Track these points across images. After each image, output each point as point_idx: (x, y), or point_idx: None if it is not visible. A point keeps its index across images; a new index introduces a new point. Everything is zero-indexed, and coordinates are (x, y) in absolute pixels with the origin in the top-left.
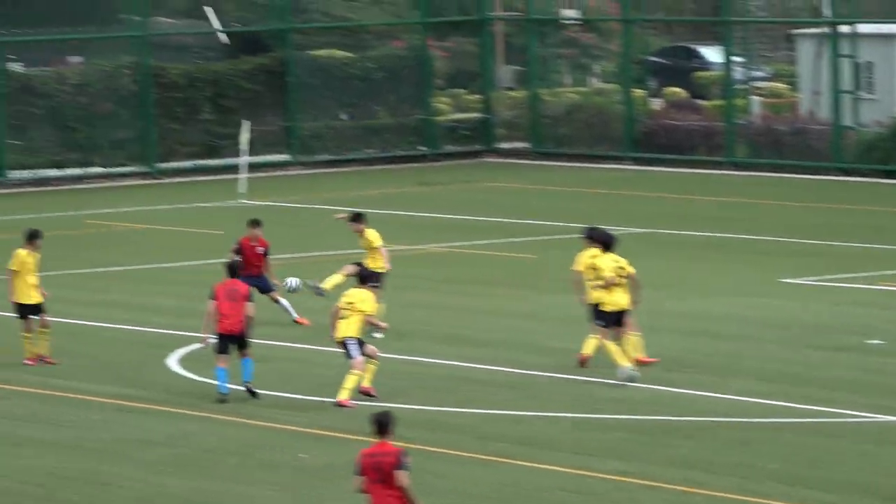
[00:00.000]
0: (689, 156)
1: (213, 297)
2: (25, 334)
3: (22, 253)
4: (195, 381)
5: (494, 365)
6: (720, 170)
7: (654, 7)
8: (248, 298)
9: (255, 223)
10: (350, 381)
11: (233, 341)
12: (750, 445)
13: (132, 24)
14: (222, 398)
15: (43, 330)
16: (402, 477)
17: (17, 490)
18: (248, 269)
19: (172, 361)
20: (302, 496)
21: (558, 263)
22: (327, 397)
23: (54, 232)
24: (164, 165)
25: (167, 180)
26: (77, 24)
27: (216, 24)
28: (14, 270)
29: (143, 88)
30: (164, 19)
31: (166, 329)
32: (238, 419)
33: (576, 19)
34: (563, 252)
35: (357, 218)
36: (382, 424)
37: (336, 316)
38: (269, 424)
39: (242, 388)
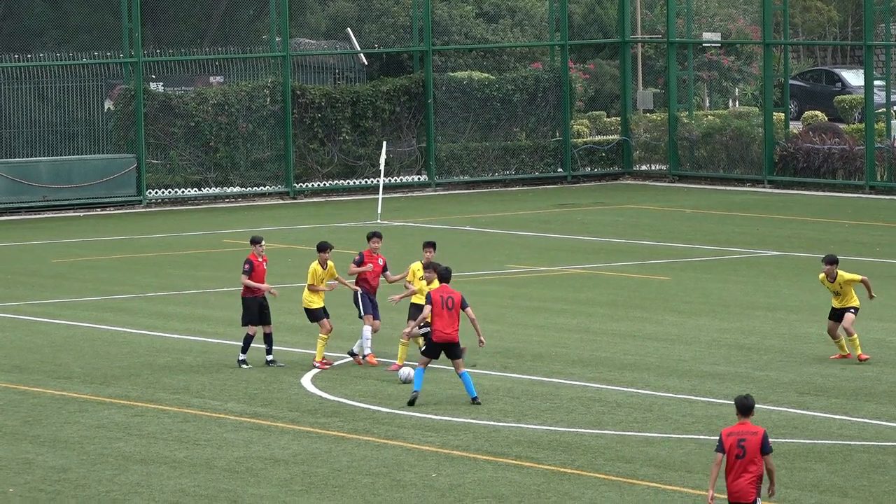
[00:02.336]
0: (828, 179)
1: (429, 301)
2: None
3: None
4: (328, 399)
5: (628, 387)
6: (859, 193)
7: (795, 30)
8: (464, 305)
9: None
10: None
11: (445, 349)
12: (884, 469)
13: (273, 44)
14: (414, 397)
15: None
16: (769, 458)
17: None
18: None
19: (305, 380)
20: None
21: (693, 286)
22: (460, 417)
23: (192, 251)
24: (301, 185)
25: (305, 200)
26: (219, 44)
27: (356, 45)
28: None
29: (283, 108)
30: (305, 40)
31: (300, 348)
32: (370, 439)
33: (716, 42)
34: (699, 274)
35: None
36: (746, 406)
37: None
38: (401, 444)
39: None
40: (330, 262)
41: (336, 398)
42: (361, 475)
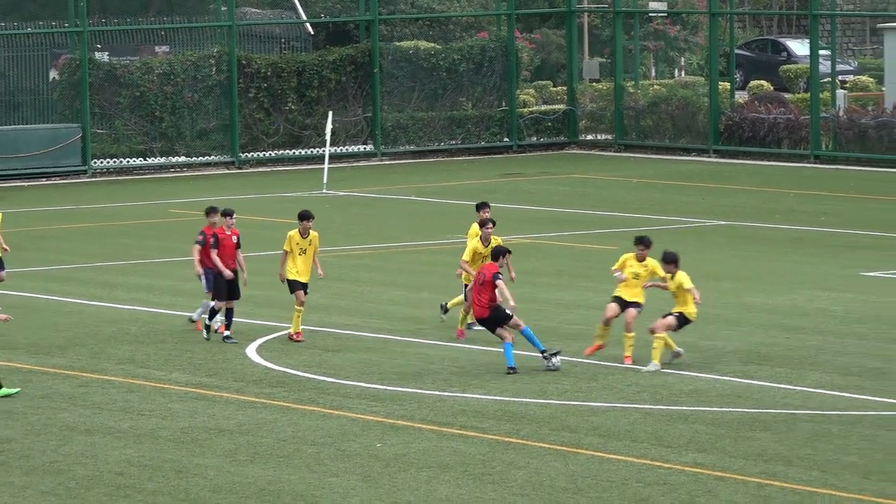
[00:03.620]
0: (773, 149)
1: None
2: (299, 308)
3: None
4: (273, 369)
5: (573, 356)
6: (804, 163)
7: (741, 0)
8: (494, 282)
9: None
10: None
11: (483, 324)
12: (827, 438)
13: (219, 14)
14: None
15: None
16: None
17: (94, 477)
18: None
19: (250, 350)
20: (377, 485)
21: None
22: (404, 387)
23: (138, 221)
24: (247, 155)
25: (250, 170)
26: (165, 13)
27: (302, 14)
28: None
29: (229, 78)
30: (251, 9)
31: (245, 318)
32: (315, 409)
33: (662, 12)
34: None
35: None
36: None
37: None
38: (346, 414)
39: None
40: (313, 232)
41: (281, 368)
42: (306, 445)
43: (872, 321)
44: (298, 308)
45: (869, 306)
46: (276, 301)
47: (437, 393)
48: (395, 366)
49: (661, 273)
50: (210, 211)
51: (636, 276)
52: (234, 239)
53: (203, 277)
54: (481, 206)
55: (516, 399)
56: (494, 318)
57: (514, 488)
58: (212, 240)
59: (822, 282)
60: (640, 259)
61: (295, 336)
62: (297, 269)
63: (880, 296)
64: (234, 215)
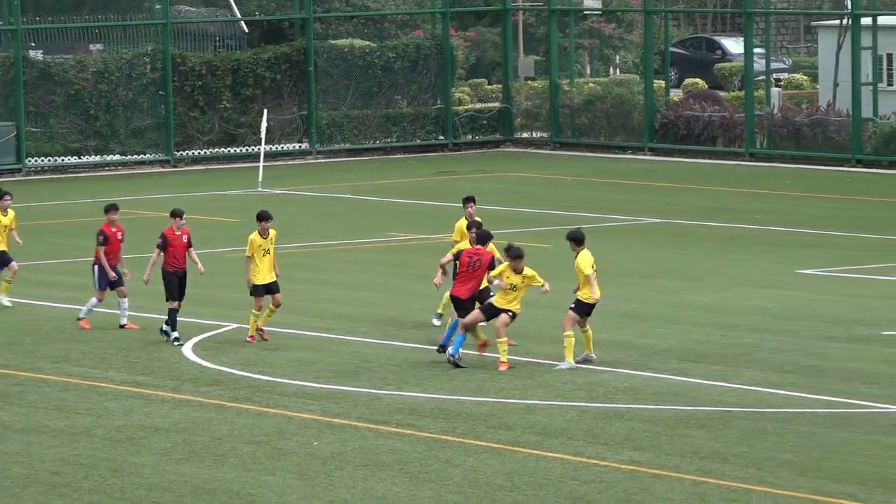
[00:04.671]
0: (708, 147)
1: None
2: (256, 312)
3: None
4: (208, 368)
5: (509, 354)
6: (739, 161)
7: None
8: (491, 267)
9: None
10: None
11: (457, 303)
12: (763, 435)
13: (154, 12)
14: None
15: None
16: None
17: (30, 476)
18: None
19: (186, 349)
20: (313, 483)
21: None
22: (341, 385)
23: (73, 220)
24: (182, 153)
25: (185, 168)
26: (99, 11)
27: (236, 12)
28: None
29: (163, 76)
30: (185, 7)
31: (181, 317)
32: (251, 407)
33: (597, 9)
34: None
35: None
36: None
37: None
38: (282, 412)
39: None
40: (272, 231)
41: (216, 367)
42: (242, 443)
43: (807, 319)
44: (255, 312)
45: (804, 304)
46: (213, 300)
47: (373, 391)
48: (331, 364)
49: (540, 281)
50: (109, 209)
51: (512, 286)
52: (185, 238)
53: (96, 275)
54: (467, 201)
55: (452, 397)
56: (470, 305)
57: (451, 486)
58: (160, 240)
59: (758, 279)
60: (517, 271)
61: (250, 339)
62: (262, 272)
63: (815, 293)
64: (185, 215)
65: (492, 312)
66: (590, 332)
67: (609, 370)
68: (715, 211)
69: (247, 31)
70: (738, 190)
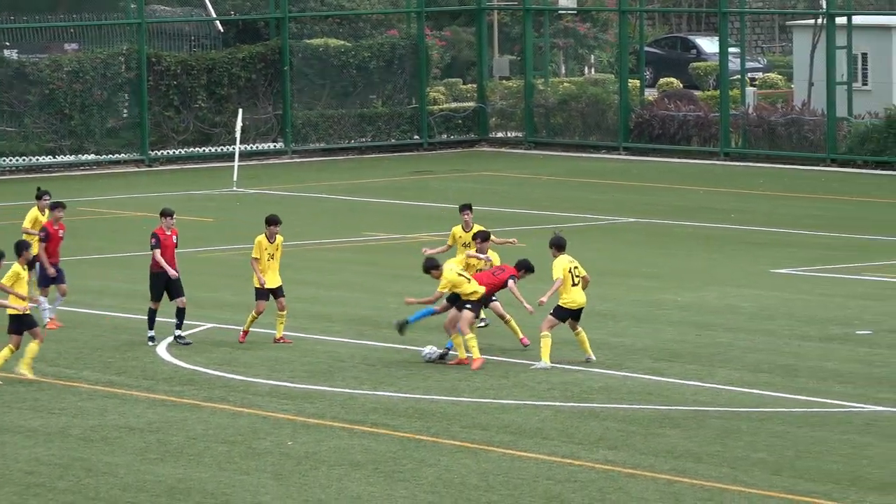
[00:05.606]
0: (683, 146)
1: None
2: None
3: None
4: (183, 367)
5: (484, 353)
6: (714, 160)
7: None
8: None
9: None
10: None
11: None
12: (737, 435)
13: (129, 11)
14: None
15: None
16: None
17: (4, 476)
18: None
19: (161, 349)
20: (287, 483)
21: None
22: (315, 385)
23: None
24: (157, 153)
25: (160, 168)
26: (74, 11)
27: (212, 12)
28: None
29: (138, 76)
30: (160, 7)
31: (160, 318)
32: (225, 407)
33: (572, 9)
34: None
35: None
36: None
37: None
38: (256, 412)
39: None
40: (279, 236)
41: (191, 366)
42: (217, 443)
43: (782, 318)
44: (254, 315)
45: (779, 303)
46: (187, 300)
47: (347, 391)
48: (305, 363)
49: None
50: (55, 206)
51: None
52: (175, 239)
53: (38, 272)
54: (464, 209)
55: (427, 397)
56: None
57: (425, 486)
58: (153, 240)
59: (733, 279)
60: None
61: (242, 337)
62: (266, 276)
63: (790, 293)
64: (174, 215)
65: (455, 303)
66: (582, 334)
67: (583, 370)
68: (690, 210)
69: (222, 30)
70: (713, 189)
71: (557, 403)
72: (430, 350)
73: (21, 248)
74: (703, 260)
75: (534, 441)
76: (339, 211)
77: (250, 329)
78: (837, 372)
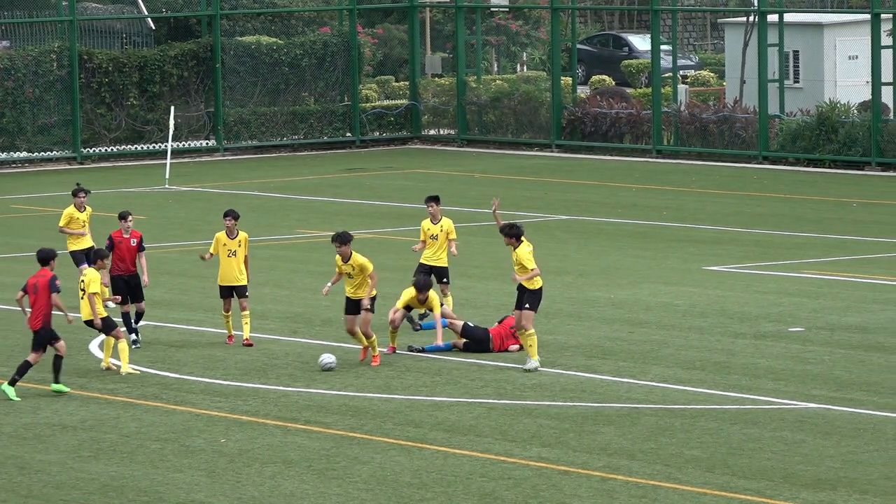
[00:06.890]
0: (616, 144)
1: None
2: (225, 314)
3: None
4: (116, 365)
5: (416, 351)
6: (646, 157)
7: None
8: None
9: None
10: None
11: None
12: (670, 432)
13: (60, 8)
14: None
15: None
16: None
17: None
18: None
19: (93, 346)
20: (221, 480)
21: (482, 250)
22: (249, 383)
23: None
24: (89, 150)
25: (92, 165)
26: (5, 8)
27: (143, 9)
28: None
29: (70, 73)
30: (92, 4)
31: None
32: (158, 404)
33: (504, 6)
34: (487, 239)
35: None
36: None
37: None
38: (190, 409)
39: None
40: (243, 233)
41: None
42: (150, 441)
43: (715, 315)
44: (224, 314)
45: (711, 300)
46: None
47: (281, 388)
48: (238, 361)
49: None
50: (122, 216)
51: (348, 275)
52: (134, 242)
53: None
54: (429, 200)
55: (360, 394)
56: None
57: (359, 483)
58: (108, 242)
59: (665, 276)
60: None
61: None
62: (227, 273)
63: (722, 290)
64: (131, 217)
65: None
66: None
67: (517, 367)
68: (622, 208)
69: (154, 27)
70: (646, 187)
71: (491, 401)
72: (329, 360)
73: (98, 255)
74: (636, 257)
75: (467, 438)
76: (273, 208)
77: (251, 334)
78: (770, 369)
